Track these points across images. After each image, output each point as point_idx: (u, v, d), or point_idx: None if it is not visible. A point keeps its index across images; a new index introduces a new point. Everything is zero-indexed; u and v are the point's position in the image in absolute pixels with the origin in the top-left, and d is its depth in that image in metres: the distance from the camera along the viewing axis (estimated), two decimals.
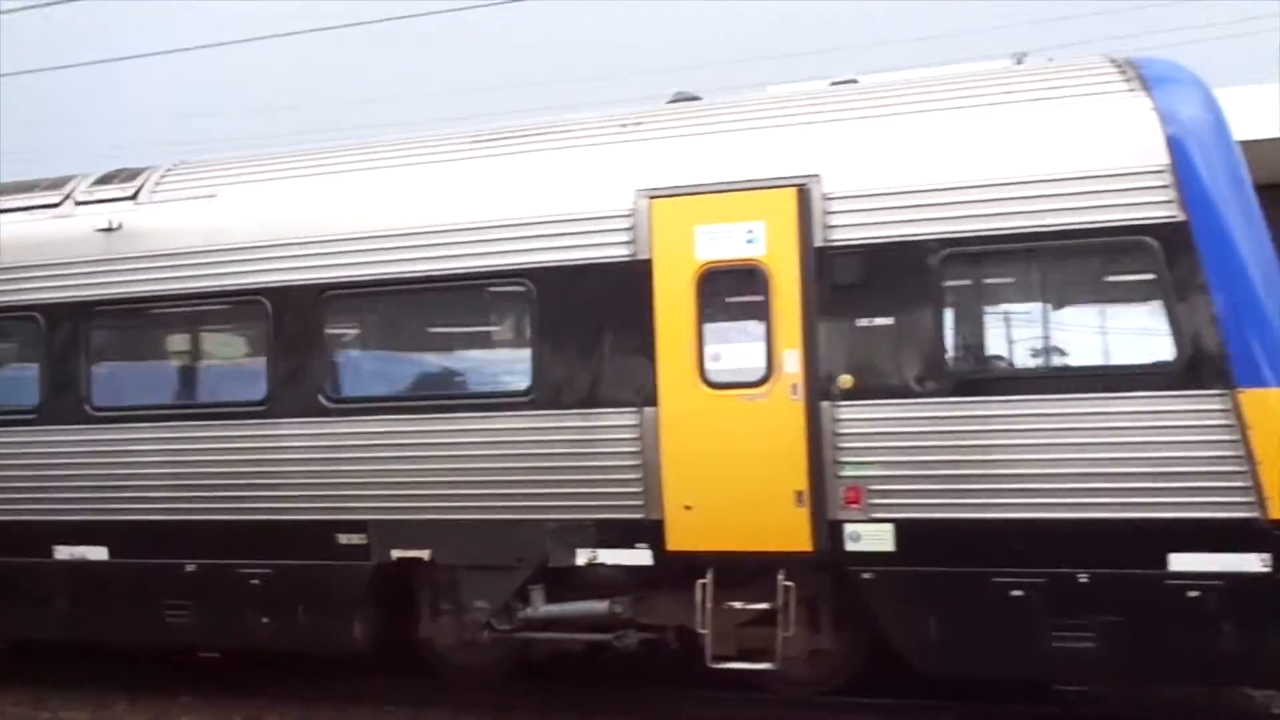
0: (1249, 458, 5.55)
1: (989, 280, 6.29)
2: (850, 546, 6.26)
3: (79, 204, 8.02)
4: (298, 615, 7.42)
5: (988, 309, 6.33)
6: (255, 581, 7.44)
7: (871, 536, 6.21)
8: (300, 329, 7.28)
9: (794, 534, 6.33)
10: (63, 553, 7.92)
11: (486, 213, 6.90)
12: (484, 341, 7.51)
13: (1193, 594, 5.69)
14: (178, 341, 8.28)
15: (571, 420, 6.70)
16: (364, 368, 7.63)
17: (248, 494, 7.37)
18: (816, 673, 6.94)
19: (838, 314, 6.25)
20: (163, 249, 7.62)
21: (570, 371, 6.73)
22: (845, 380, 6.23)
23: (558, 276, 6.74)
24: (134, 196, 7.86)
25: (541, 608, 6.96)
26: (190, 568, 7.59)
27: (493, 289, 7.07)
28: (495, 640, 7.12)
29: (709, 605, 6.48)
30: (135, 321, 8.01)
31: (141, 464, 7.64)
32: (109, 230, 7.76)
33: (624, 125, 7.00)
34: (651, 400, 6.54)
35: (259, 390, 7.44)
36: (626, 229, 6.61)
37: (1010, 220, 5.97)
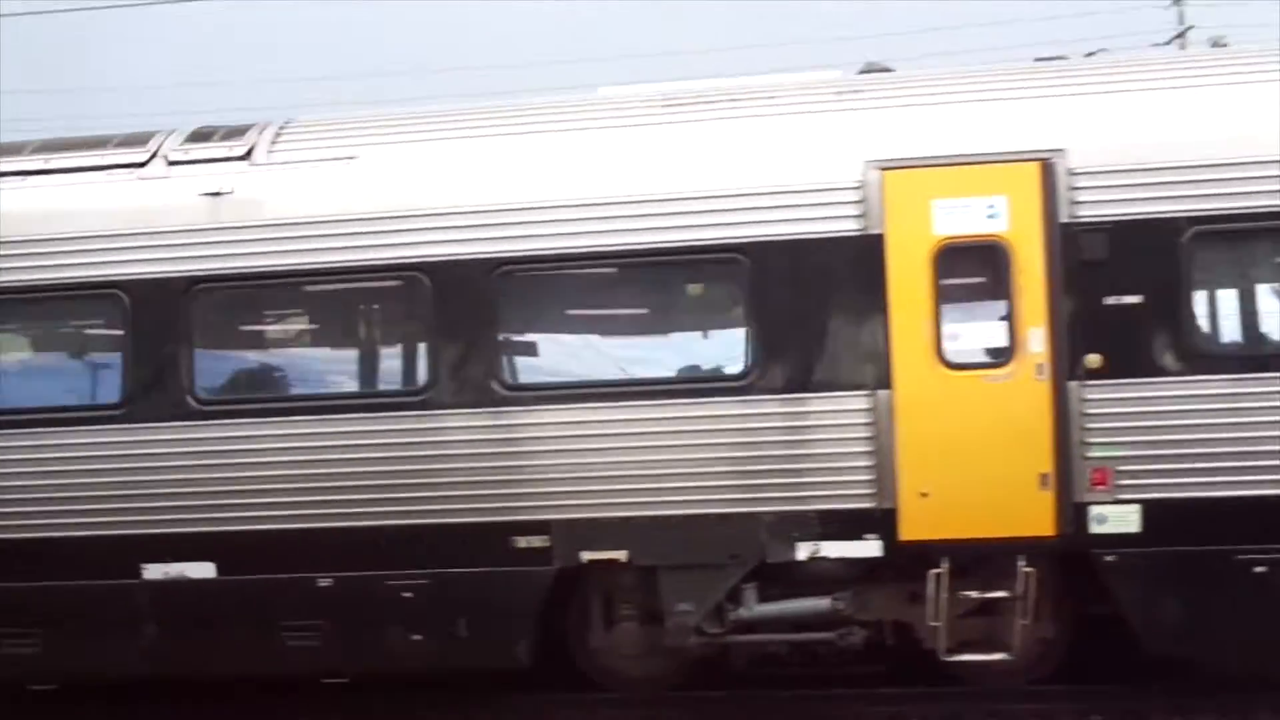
0: None
1: (1238, 258, 6.30)
2: (1095, 529, 6.12)
3: (173, 164, 6.89)
4: (457, 630, 6.60)
5: (1236, 287, 6.34)
6: (408, 594, 6.57)
7: (1118, 518, 6.10)
8: (468, 308, 6.49)
9: (1036, 518, 6.13)
10: (154, 571, 6.76)
11: (691, 182, 6.37)
12: (690, 322, 6.91)
13: None
14: (306, 323, 7.25)
15: (794, 405, 6.27)
16: (547, 351, 6.86)
17: (401, 496, 6.50)
18: (1032, 662, 6.76)
19: (1084, 292, 6.11)
20: (289, 217, 6.63)
21: (792, 352, 6.30)
22: (1093, 359, 6.09)
23: (777, 251, 6.29)
24: (247, 156, 6.81)
25: (756, 607, 6.46)
26: (324, 582, 6.63)
27: (700, 264, 6.53)
28: (697, 646, 6.57)
29: (944, 596, 6.20)
30: (251, 300, 6.96)
31: (261, 464, 6.62)
32: (217, 195, 6.70)
33: (841, 92, 6.63)
34: (885, 382, 6.19)
35: (416, 378, 6.59)
36: (855, 201, 6.24)
37: (1260, 200, 5.99)
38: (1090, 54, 7.08)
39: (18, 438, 6.82)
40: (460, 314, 6.49)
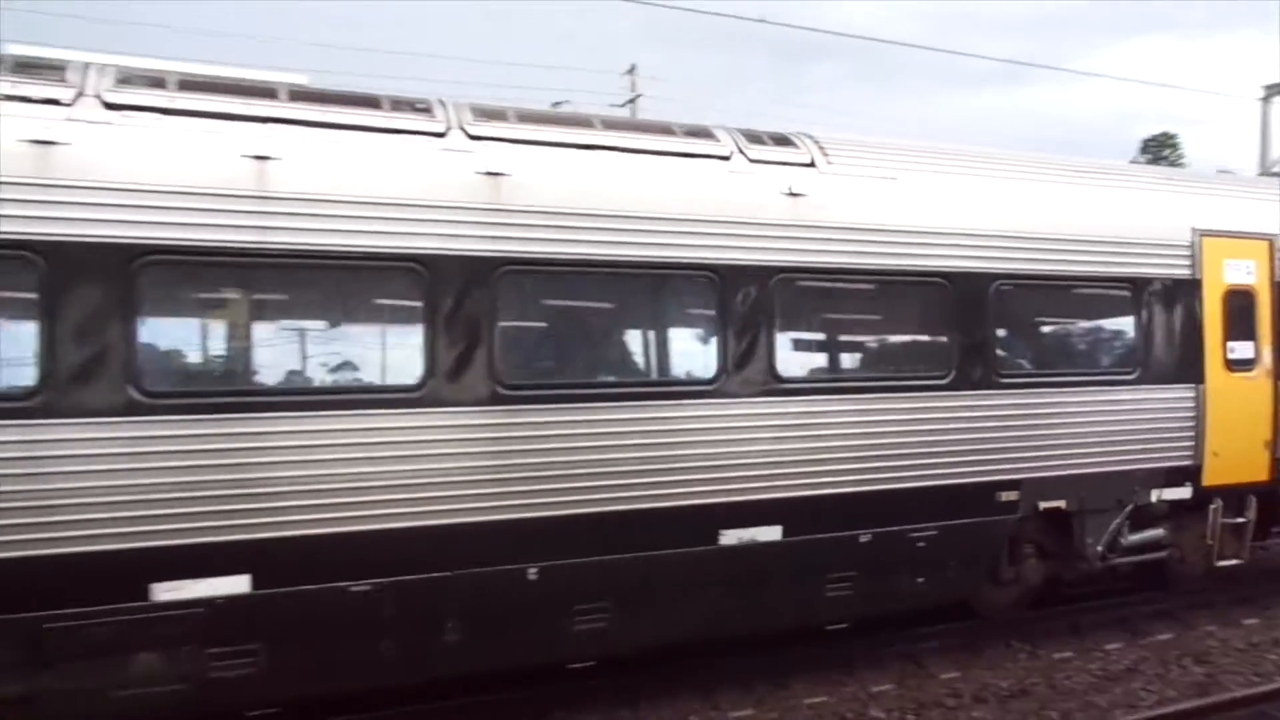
0: None
1: None
2: None
3: (753, 162, 7.48)
4: (949, 571, 8.23)
5: None
6: (921, 544, 8.02)
7: None
8: (975, 311, 8.18)
9: (1261, 469, 9.62)
10: (730, 537, 7.30)
11: (1099, 228, 8.80)
12: (1101, 330, 9.25)
13: None
14: (853, 313, 8.11)
15: (1163, 392, 9.05)
16: (1020, 348, 8.74)
17: (926, 462, 7.95)
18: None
19: None
20: (847, 222, 7.70)
21: (1158, 355, 9.07)
22: None
23: (1149, 284, 9.02)
24: (812, 164, 7.69)
25: (1131, 537, 9.08)
26: (864, 538, 7.78)
27: (1107, 289, 8.95)
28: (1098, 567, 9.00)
29: (1219, 523, 9.42)
30: (815, 291, 7.76)
31: (829, 434, 7.59)
32: (793, 196, 7.51)
33: (1178, 179, 9.79)
34: (1201, 378, 9.25)
35: (943, 364, 8.09)
36: (1187, 256, 9.22)
37: None
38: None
39: (638, 409, 6.95)
40: (970, 316, 8.15)
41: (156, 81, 6.04)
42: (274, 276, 6.16)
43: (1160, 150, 67.91)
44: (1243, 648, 9.05)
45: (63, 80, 5.78)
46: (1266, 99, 27.15)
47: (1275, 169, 26.08)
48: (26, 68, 5.79)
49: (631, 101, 31.56)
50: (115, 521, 5.56)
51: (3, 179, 5.36)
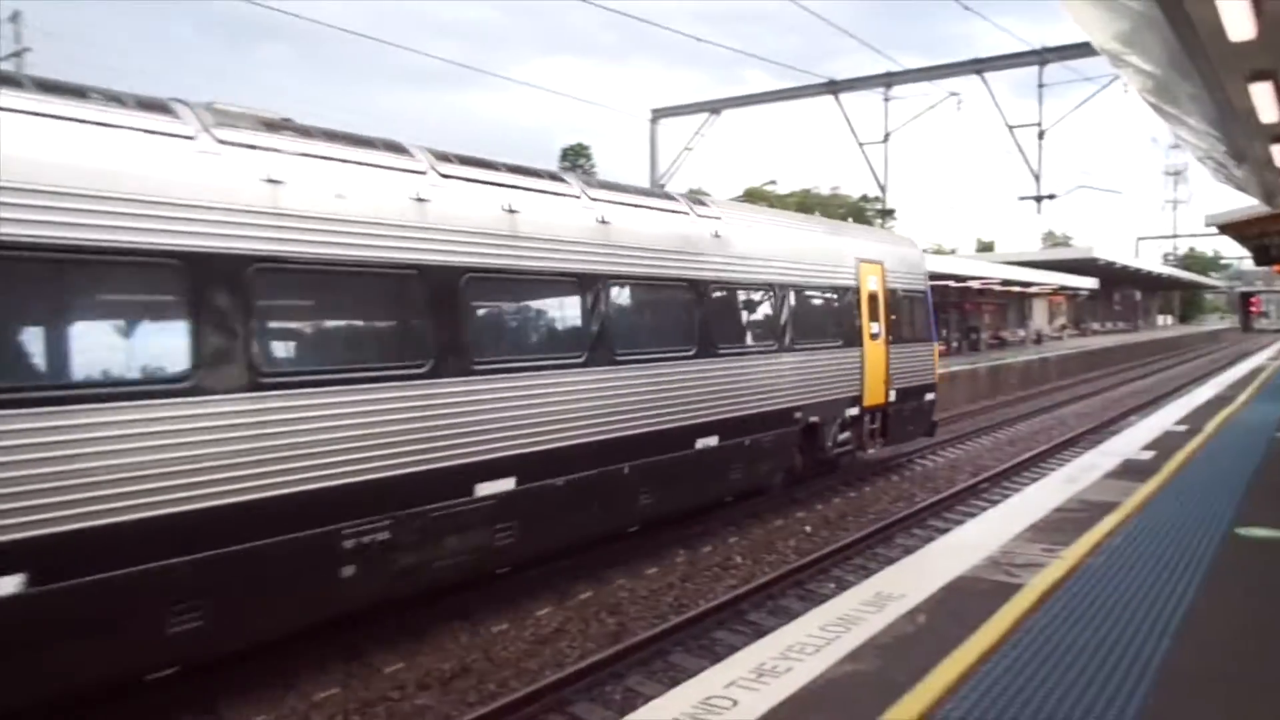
0: None
1: None
2: None
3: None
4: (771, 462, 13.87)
5: None
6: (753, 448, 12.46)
7: None
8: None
9: (882, 396, 16.03)
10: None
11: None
12: (816, 314, 14.75)
13: None
14: None
15: (847, 352, 15.01)
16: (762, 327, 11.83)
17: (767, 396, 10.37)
18: None
19: None
20: None
21: (845, 330, 15.04)
22: None
23: (847, 289, 15.00)
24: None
25: (839, 437, 14.87)
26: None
27: (825, 292, 14.78)
28: None
29: (868, 427, 15.81)
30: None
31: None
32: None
33: (846, 230, 16.06)
34: (860, 344, 15.16)
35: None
36: (854, 273, 15.25)
37: None
38: None
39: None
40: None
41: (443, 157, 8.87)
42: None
43: (576, 159, 75.84)
44: (646, 595, 10.37)
45: (414, 158, 8.54)
46: (654, 120, 31.67)
47: (663, 181, 30.57)
48: (393, 149, 8.46)
49: (17, 55, 26.88)
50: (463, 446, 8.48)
51: (396, 222, 8.01)
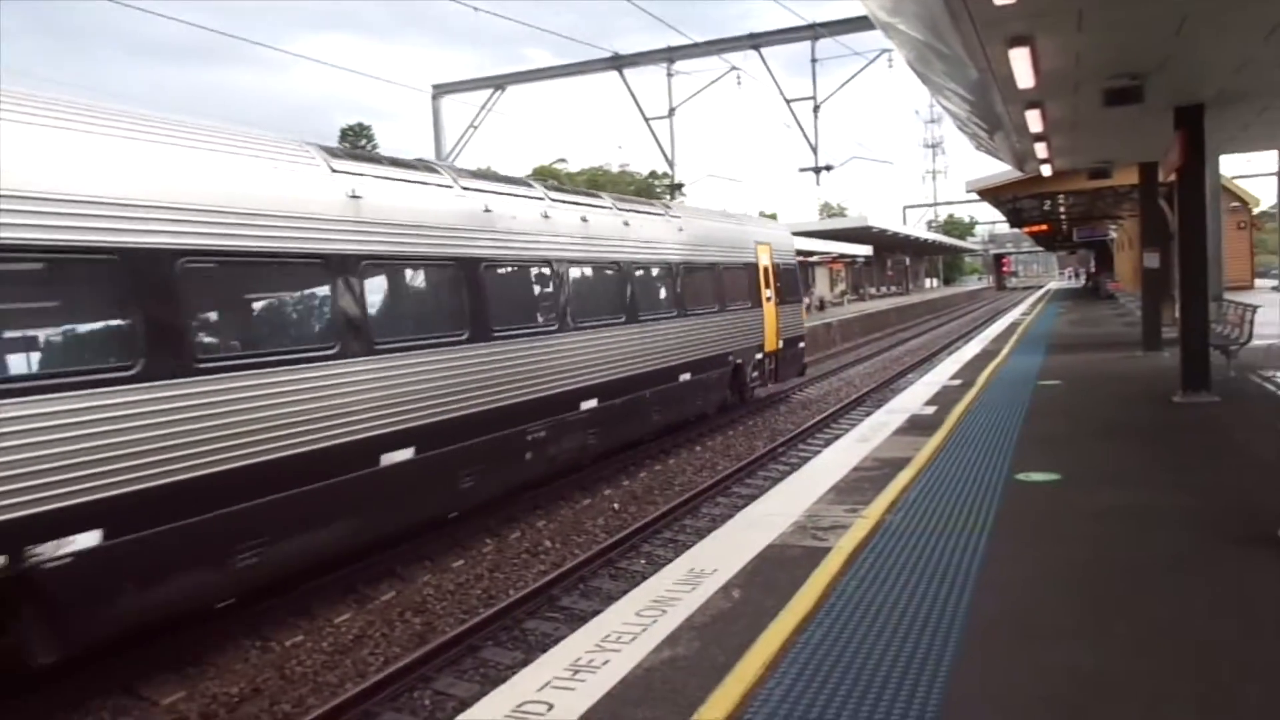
0: None
1: None
2: None
3: None
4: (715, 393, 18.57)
5: None
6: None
7: None
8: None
9: (775, 345, 20.71)
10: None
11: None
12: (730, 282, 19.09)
13: None
14: None
15: (752, 312, 19.63)
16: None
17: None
18: None
19: None
20: None
21: (762, 293, 20.14)
22: None
23: (748, 266, 19.38)
24: None
25: (753, 375, 19.75)
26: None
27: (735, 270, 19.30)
28: None
29: (768, 368, 20.62)
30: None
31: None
32: None
33: (748, 221, 20.48)
34: (760, 304, 19.80)
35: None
36: (754, 251, 19.77)
37: None
38: None
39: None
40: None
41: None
42: None
43: (357, 139, 72.84)
44: (453, 589, 9.89)
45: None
46: (437, 96, 30.65)
47: (450, 158, 29.66)
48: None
49: None
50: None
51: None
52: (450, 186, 11.14)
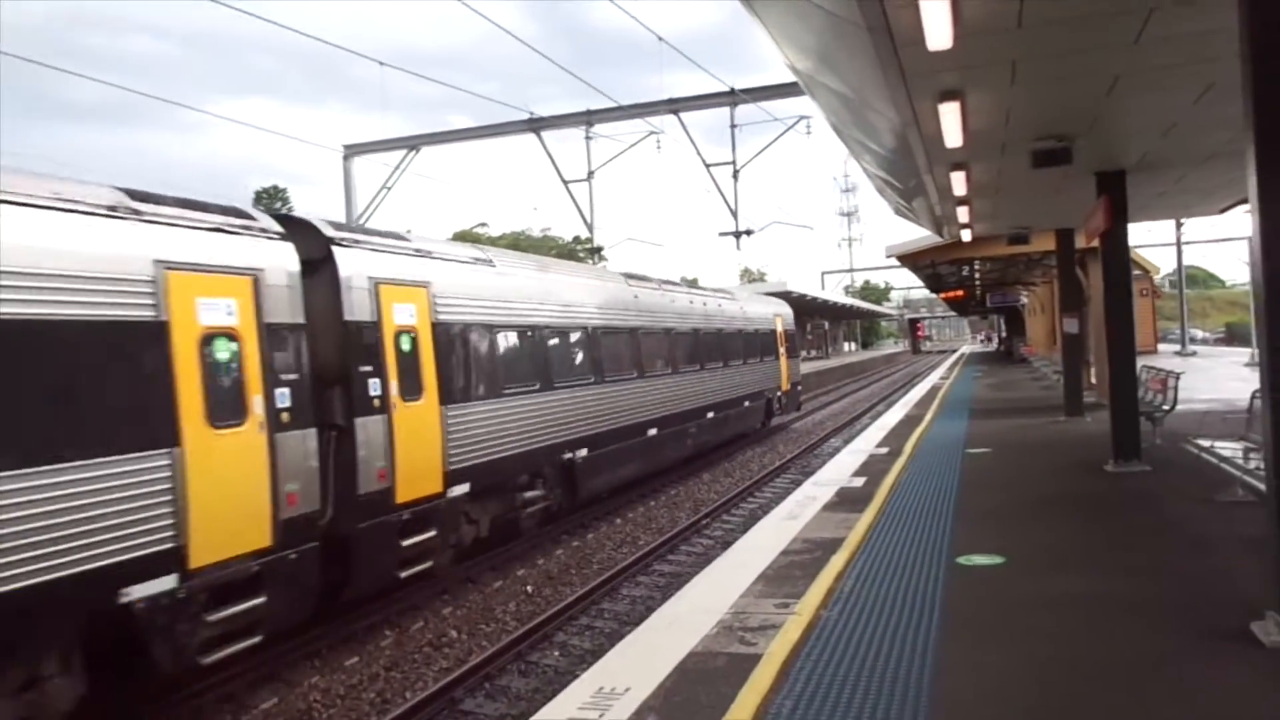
0: None
1: None
2: None
3: None
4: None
5: None
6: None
7: None
8: None
9: None
10: None
11: None
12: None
13: None
14: None
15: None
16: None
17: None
18: None
19: None
20: None
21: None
22: None
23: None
24: None
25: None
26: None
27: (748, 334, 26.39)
28: None
29: None
30: None
31: None
32: None
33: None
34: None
35: None
36: None
37: None
38: None
39: None
40: None
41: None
42: None
43: (272, 201, 71.30)
44: (344, 693, 8.79)
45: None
46: (348, 157, 29.73)
47: (362, 219, 28.68)
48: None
49: None
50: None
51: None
52: (651, 286, 19.95)
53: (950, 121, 8.16)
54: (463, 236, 67.30)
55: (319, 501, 9.02)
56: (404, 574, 10.43)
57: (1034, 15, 6.01)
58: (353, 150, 29.66)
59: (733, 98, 25.60)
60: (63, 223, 6.77)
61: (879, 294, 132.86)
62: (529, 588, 12.15)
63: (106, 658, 7.19)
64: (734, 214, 27.11)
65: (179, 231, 7.77)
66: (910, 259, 27.49)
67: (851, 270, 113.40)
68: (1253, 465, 9.26)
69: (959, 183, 11.85)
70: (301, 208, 69.13)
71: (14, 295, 6.24)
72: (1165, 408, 14.24)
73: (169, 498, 7.21)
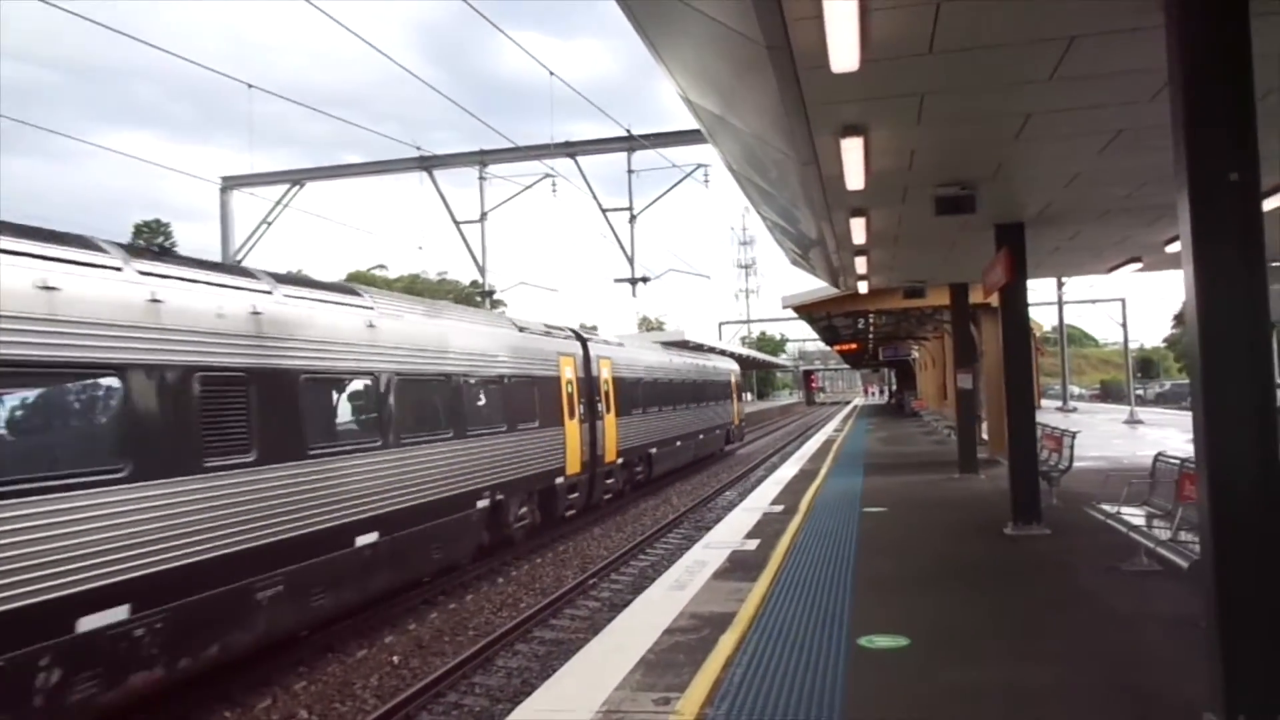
0: None
1: None
2: None
3: None
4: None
5: None
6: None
7: None
8: None
9: None
10: None
11: None
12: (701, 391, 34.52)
13: None
14: None
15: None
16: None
17: None
18: None
19: None
20: None
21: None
22: None
23: None
24: None
25: None
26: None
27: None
28: None
29: None
30: None
31: None
32: None
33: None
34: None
35: None
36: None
37: None
38: None
39: None
40: None
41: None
42: None
43: (153, 236, 68.10)
44: None
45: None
46: (225, 189, 28.04)
47: (238, 255, 27.00)
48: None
49: None
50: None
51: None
52: (675, 351, 31.93)
53: (852, 159, 7.55)
54: (358, 278, 65.39)
55: (590, 456, 19.88)
56: (606, 496, 21.50)
57: (947, 36, 5.39)
58: (231, 183, 27.96)
59: (630, 142, 25.05)
60: (529, 342, 17.53)
61: (775, 345, 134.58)
62: (395, 658, 10.94)
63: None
64: (630, 260, 26.47)
65: (559, 340, 19.06)
66: (806, 310, 27.22)
67: (749, 321, 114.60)
68: (1159, 534, 8.84)
69: (859, 230, 11.34)
70: (185, 243, 66.30)
71: (529, 370, 17.07)
72: (1062, 467, 13.95)
73: (562, 447, 18.24)
